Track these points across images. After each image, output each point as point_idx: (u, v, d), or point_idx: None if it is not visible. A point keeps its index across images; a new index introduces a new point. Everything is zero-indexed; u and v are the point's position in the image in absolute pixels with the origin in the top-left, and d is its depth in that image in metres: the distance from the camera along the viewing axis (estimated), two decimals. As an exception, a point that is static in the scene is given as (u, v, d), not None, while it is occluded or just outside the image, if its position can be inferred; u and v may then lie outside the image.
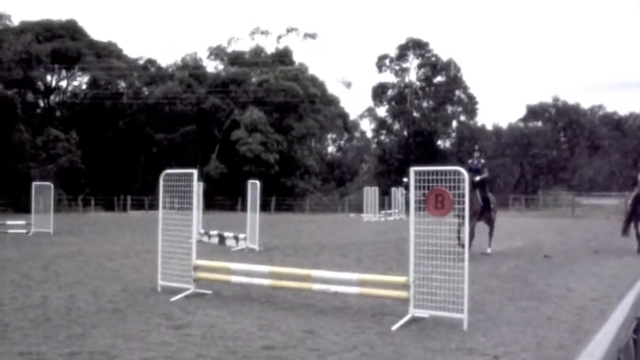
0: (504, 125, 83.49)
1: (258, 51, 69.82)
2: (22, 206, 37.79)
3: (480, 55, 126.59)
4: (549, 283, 12.31)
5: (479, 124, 79.89)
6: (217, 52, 70.58)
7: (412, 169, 8.79)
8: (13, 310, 9.33)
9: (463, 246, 12.16)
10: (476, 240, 16.74)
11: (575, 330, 8.18)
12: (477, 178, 17.51)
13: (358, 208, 46.29)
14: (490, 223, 18.40)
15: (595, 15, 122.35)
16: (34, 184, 27.90)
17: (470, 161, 18.70)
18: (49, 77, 62.89)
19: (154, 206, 40.14)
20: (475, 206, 16.16)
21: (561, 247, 19.92)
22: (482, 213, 17.65)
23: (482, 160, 18.58)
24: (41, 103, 64.23)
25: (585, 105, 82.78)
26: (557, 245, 20.61)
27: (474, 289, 9.98)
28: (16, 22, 57.74)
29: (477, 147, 20.09)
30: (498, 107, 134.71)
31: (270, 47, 71.40)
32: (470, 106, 77.52)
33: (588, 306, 9.89)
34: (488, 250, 17.64)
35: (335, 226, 32.79)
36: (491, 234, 18.29)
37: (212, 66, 70.83)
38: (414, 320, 8.55)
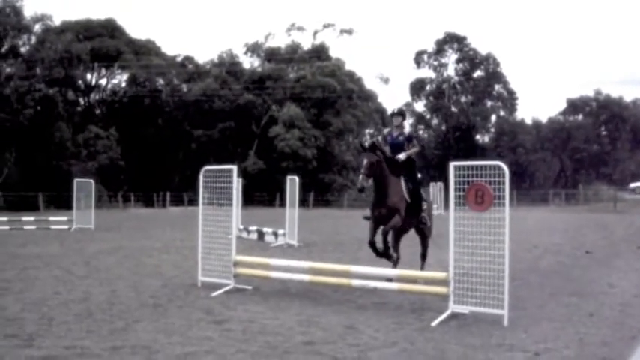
0: (544, 119, 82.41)
1: (294, 47, 69.92)
2: (63, 203, 38.42)
3: (519, 48, 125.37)
4: (591, 278, 12.15)
5: (518, 118, 79.05)
6: (254, 49, 70.84)
7: (451, 164, 8.73)
8: (57, 304, 9.49)
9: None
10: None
11: (618, 327, 8.06)
12: (402, 157, 11.05)
13: (396, 204, 46.05)
14: (421, 233, 11.80)
15: (637, 6, 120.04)
16: (76, 181, 28.26)
17: (386, 131, 12.22)
18: (89, 75, 63.71)
19: (193, 202, 40.48)
20: (393, 202, 10.66)
21: (603, 243, 19.64)
22: (412, 215, 11.05)
23: (407, 130, 11.89)
24: (82, 101, 65.08)
25: (628, 98, 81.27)
26: (599, 241, 20.32)
27: (515, 285, 9.88)
28: (57, 22, 58.63)
29: (396, 109, 11.61)
30: (538, 101, 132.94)
31: (306, 43, 71.54)
32: (509, 100, 76.81)
33: (631, 302, 9.74)
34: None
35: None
36: (424, 254, 11.83)
37: (248, 62, 71.20)
38: (454, 316, 8.50)
